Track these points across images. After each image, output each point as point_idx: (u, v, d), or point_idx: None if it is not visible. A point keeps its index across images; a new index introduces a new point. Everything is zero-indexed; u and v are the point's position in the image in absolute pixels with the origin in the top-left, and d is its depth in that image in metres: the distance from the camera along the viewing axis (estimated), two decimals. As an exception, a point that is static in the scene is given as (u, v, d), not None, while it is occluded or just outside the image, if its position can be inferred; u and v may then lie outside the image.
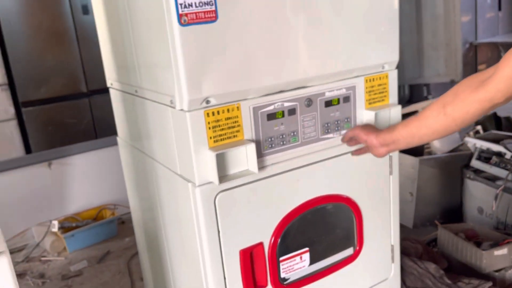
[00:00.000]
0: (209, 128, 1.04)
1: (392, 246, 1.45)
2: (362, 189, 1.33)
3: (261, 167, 1.12)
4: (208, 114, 1.03)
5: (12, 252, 2.67)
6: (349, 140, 1.24)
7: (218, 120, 1.04)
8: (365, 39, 1.22)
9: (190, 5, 0.95)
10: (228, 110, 1.05)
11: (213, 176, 1.03)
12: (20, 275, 2.42)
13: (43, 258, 2.58)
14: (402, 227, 2.45)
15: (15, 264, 2.54)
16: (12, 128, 2.89)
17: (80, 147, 2.92)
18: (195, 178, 1.05)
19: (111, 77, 1.50)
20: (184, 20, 0.95)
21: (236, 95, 1.05)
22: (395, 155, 1.38)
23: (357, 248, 1.36)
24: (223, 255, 1.12)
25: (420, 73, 5.08)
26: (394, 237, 1.45)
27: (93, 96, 3.06)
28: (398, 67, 1.31)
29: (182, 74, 0.97)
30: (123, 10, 1.20)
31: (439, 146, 2.71)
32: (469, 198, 2.30)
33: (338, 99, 1.22)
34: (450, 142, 2.73)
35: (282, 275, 1.22)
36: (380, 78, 1.28)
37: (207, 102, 1.02)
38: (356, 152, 1.26)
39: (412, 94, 5.22)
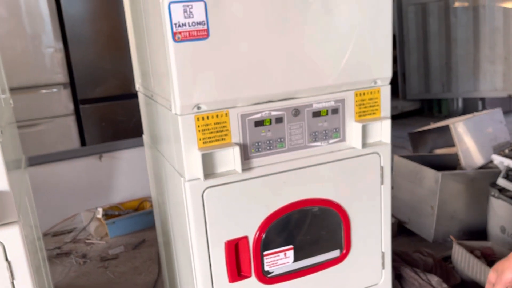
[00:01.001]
0: (199, 131, 1.18)
1: (383, 253, 1.51)
2: (351, 196, 1.41)
3: (248, 168, 1.25)
4: (198, 118, 1.18)
5: (62, 233, 3.00)
6: None
7: (207, 124, 1.19)
8: (355, 55, 1.30)
9: (184, 24, 1.10)
10: (217, 116, 1.19)
11: (200, 173, 1.18)
12: (66, 254, 2.72)
13: (87, 241, 2.87)
14: (421, 240, 2.47)
15: (64, 243, 2.85)
16: (71, 122, 3.23)
17: (128, 143, 3.20)
18: (185, 173, 1.20)
19: (138, 82, 1.70)
20: (178, 37, 1.10)
21: (225, 103, 1.19)
22: (387, 166, 1.44)
23: (344, 251, 1.44)
24: (209, 245, 1.26)
25: (475, 86, 4.92)
26: (385, 245, 1.51)
27: (143, 97, 3.33)
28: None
29: (175, 82, 1.13)
30: (142, 24, 1.38)
31: (476, 161, 2.67)
32: (493, 217, 2.27)
33: (327, 111, 1.32)
34: (486, 159, 2.69)
35: (266, 268, 1.34)
36: (371, 92, 1.36)
37: (198, 108, 1.17)
38: None
39: (466, 107, 5.06)
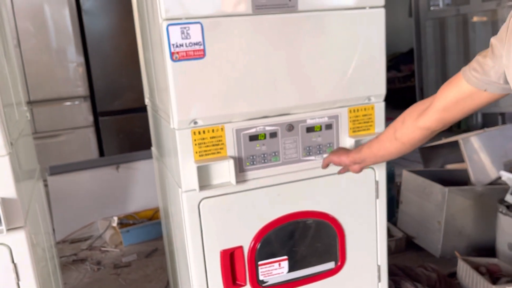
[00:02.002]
0: (195, 144, 1.25)
1: (379, 266, 1.54)
2: (346, 210, 1.44)
3: (243, 180, 1.31)
4: (194, 132, 1.24)
5: (79, 240, 3.10)
6: (327, 166, 1.37)
7: (203, 138, 1.26)
8: (349, 73, 1.35)
9: (181, 45, 1.18)
10: (213, 130, 1.26)
11: (195, 184, 1.24)
12: (81, 260, 2.82)
13: (102, 248, 2.96)
14: (429, 255, 2.46)
15: (80, 250, 2.95)
16: (90, 134, 3.36)
17: (144, 154, 3.29)
18: (182, 184, 1.26)
19: (146, 97, 1.78)
20: (175, 57, 1.18)
21: (220, 118, 1.26)
22: (382, 180, 1.47)
23: (339, 263, 1.47)
24: (205, 253, 1.31)
25: (495, 101, 4.85)
26: (381, 258, 1.53)
27: (159, 109, 3.45)
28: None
29: (173, 99, 1.20)
30: (148, 42, 1.47)
31: (486, 177, 2.65)
32: (501, 233, 2.25)
33: (321, 126, 1.37)
34: (496, 175, 2.66)
35: (261, 277, 1.38)
36: (365, 109, 1.41)
37: (195, 123, 1.24)
38: (339, 171, 1.39)
39: (485, 122, 5.00)
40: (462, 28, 4.88)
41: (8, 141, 1.08)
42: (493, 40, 0.94)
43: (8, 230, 1.07)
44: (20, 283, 1.11)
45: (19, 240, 1.10)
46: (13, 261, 1.10)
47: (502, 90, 0.96)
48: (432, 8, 5.26)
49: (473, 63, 0.98)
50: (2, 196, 1.05)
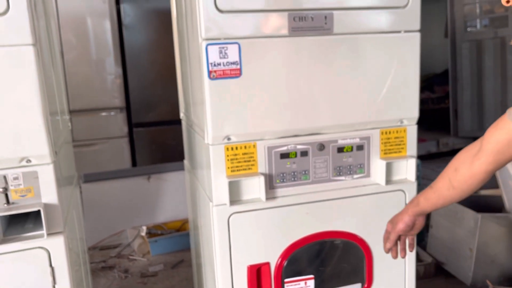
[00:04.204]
0: (228, 160, 1.28)
1: (407, 291, 1.52)
2: (374, 232, 1.44)
3: (272, 197, 1.33)
4: (228, 148, 1.28)
5: (109, 247, 3.18)
6: (394, 245, 1.33)
7: (236, 154, 1.29)
8: (382, 95, 1.36)
9: (219, 64, 1.22)
10: (245, 147, 1.29)
11: (226, 199, 1.27)
12: (110, 268, 2.88)
13: (130, 257, 3.02)
14: (459, 283, 2.40)
15: (109, 258, 3.02)
16: (124, 144, 3.46)
17: (175, 166, 3.36)
18: (213, 198, 1.30)
19: (181, 111, 1.84)
20: (213, 75, 1.22)
21: (253, 136, 1.29)
22: (412, 204, 1.46)
23: (366, 285, 1.46)
24: (233, 267, 1.34)
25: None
26: (408, 282, 1.51)
27: (192, 123, 3.53)
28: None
29: (208, 116, 1.24)
30: (186, 59, 1.53)
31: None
32: (536, 264, 2.17)
33: (352, 147, 1.38)
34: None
35: (286, 295, 1.39)
36: (397, 131, 1.41)
37: (228, 139, 1.27)
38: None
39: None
40: (500, 51, 4.79)
41: (53, 150, 1.13)
42: None
43: (48, 234, 1.12)
44: (56, 286, 1.16)
45: (57, 245, 1.15)
46: (50, 265, 1.15)
47: None
48: (469, 29, 5.19)
49: None
50: (45, 202, 1.11)
